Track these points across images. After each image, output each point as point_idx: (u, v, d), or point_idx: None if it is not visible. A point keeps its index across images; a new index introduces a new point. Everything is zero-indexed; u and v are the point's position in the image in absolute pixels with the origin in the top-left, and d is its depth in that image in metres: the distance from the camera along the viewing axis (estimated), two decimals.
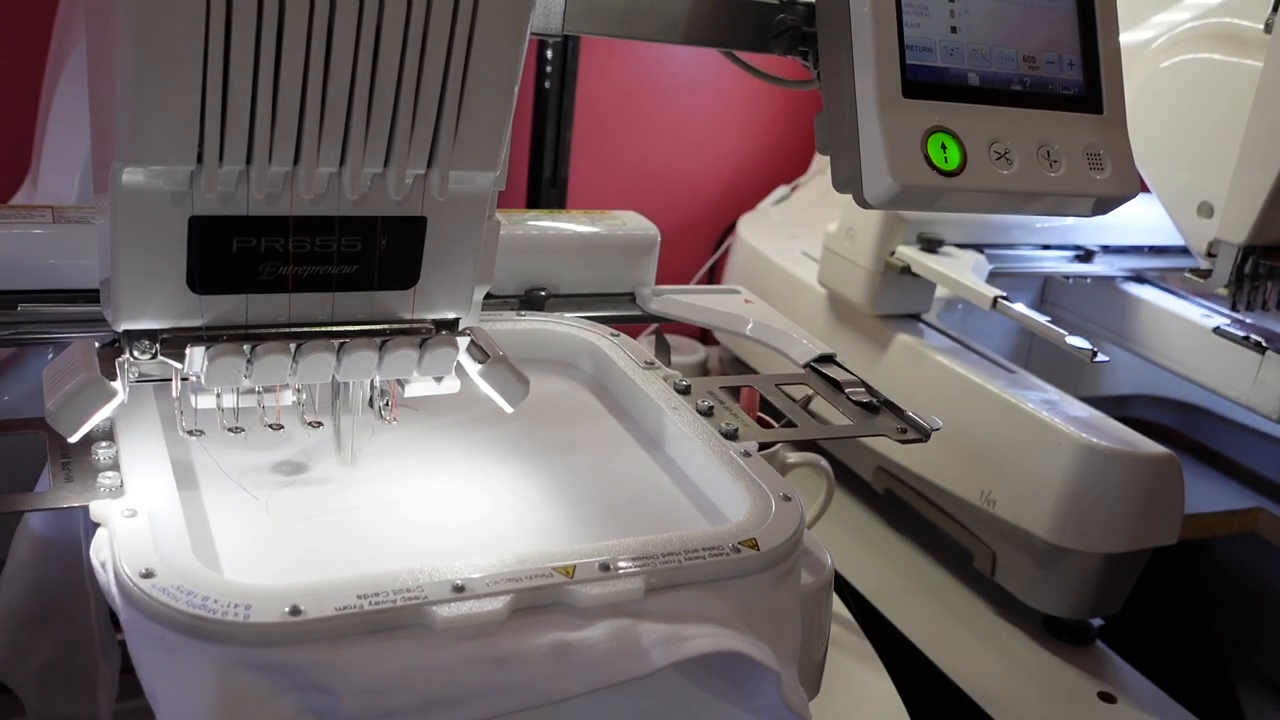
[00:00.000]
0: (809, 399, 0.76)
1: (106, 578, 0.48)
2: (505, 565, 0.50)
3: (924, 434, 0.69)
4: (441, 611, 0.47)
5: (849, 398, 0.73)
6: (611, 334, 0.80)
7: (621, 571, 0.51)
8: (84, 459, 0.56)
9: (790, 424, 0.72)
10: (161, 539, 0.49)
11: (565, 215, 0.93)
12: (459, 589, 0.48)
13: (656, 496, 0.64)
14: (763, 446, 0.71)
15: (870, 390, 0.74)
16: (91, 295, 0.70)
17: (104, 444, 0.57)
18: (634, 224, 0.93)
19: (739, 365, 1.44)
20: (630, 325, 0.89)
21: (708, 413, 0.68)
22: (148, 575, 0.46)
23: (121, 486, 0.53)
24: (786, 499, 0.58)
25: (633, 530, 0.58)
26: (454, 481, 0.63)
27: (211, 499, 0.58)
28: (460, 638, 0.47)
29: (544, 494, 0.63)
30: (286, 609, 0.45)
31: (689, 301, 0.88)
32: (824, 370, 0.77)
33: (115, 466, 0.55)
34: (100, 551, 0.50)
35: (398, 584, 0.48)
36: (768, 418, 0.76)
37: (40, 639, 0.60)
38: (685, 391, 0.71)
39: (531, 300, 0.88)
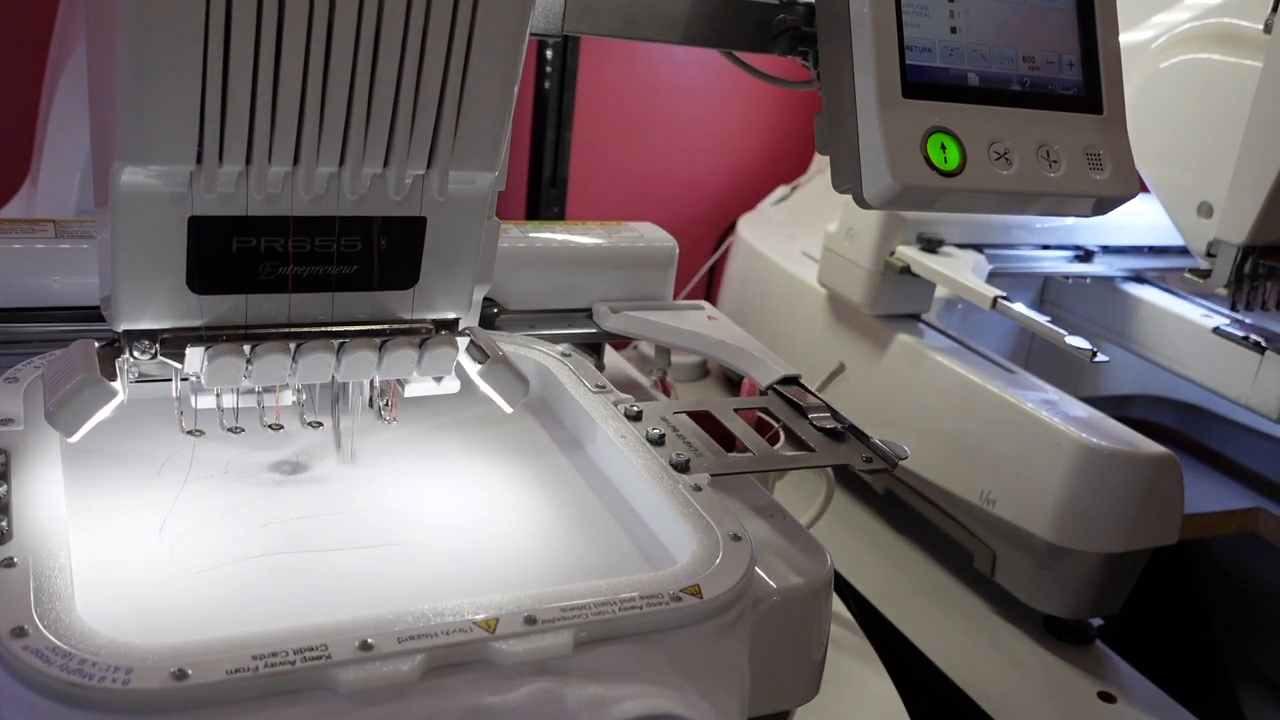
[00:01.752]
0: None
1: None
2: (419, 618, 0.46)
3: (890, 464, 0.66)
4: (345, 675, 0.43)
5: (812, 424, 0.70)
6: (562, 354, 0.75)
7: (548, 624, 0.47)
8: None
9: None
10: (42, 592, 0.45)
11: (580, 227, 0.90)
12: (367, 646, 0.44)
13: (596, 535, 0.60)
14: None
15: (835, 415, 0.71)
16: (91, 312, 0.67)
17: None
18: (651, 235, 0.90)
19: None
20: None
21: (659, 441, 0.64)
22: (19, 634, 0.42)
23: (9, 531, 0.49)
24: (736, 539, 0.55)
25: (566, 573, 0.56)
26: (375, 517, 0.59)
27: (113, 544, 0.54)
28: (365, 702, 0.43)
29: (471, 531, 0.59)
30: (171, 672, 0.41)
31: (649, 319, 0.84)
32: (787, 393, 0.74)
33: (4, 509, 0.50)
34: None
35: (299, 642, 0.43)
36: (769, 420, 0.75)
37: None
38: (636, 418, 0.67)
39: (481, 316, 0.81)
